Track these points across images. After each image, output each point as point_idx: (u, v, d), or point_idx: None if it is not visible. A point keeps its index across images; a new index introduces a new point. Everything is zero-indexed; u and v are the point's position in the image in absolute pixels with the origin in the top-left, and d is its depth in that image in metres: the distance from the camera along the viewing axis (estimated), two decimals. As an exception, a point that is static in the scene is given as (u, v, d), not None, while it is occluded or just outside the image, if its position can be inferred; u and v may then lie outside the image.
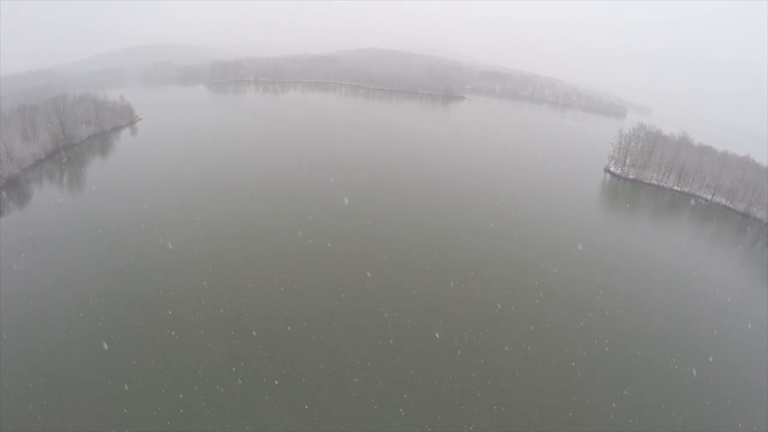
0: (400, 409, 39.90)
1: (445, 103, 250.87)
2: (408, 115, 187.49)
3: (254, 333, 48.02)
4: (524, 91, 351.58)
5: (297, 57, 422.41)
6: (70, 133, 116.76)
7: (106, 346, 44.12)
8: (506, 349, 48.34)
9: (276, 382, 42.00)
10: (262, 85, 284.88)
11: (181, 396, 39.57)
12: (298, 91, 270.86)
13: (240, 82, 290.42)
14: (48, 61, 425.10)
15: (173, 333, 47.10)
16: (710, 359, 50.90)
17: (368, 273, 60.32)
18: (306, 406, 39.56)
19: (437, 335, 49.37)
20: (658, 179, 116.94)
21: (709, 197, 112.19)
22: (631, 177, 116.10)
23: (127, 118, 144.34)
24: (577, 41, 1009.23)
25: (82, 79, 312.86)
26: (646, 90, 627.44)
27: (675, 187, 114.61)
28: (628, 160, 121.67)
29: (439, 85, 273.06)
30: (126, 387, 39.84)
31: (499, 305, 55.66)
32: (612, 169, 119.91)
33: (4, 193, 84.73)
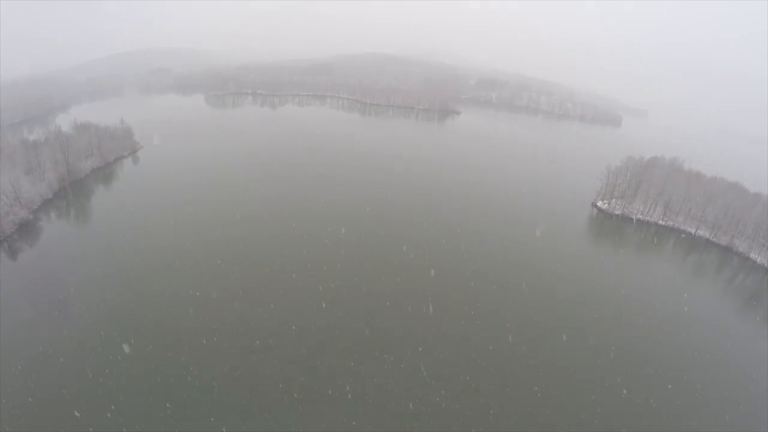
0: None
1: (441, 120, 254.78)
2: (403, 142, 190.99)
3: (257, 342, 59.19)
4: (520, 101, 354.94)
5: (295, 62, 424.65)
6: (75, 168, 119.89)
7: (124, 361, 54.59)
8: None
9: (280, 386, 52.12)
10: (260, 98, 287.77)
11: (185, 400, 49.58)
12: (296, 104, 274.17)
13: (238, 95, 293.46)
14: (46, 66, 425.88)
15: (184, 342, 58.26)
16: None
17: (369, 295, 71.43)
18: (302, 410, 49.13)
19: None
20: (644, 213, 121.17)
21: (693, 231, 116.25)
22: (617, 212, 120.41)
23: (128, 147, 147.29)
24: (576, 38, 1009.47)
25: (81, 86, 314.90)
26: (643, 89, 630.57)
27: (660, 221, 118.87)
28: (615, 192, 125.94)
29: (435, 99, 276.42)
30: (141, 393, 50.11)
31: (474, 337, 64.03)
32: (599, 204, 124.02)
33: (16, 236, 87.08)
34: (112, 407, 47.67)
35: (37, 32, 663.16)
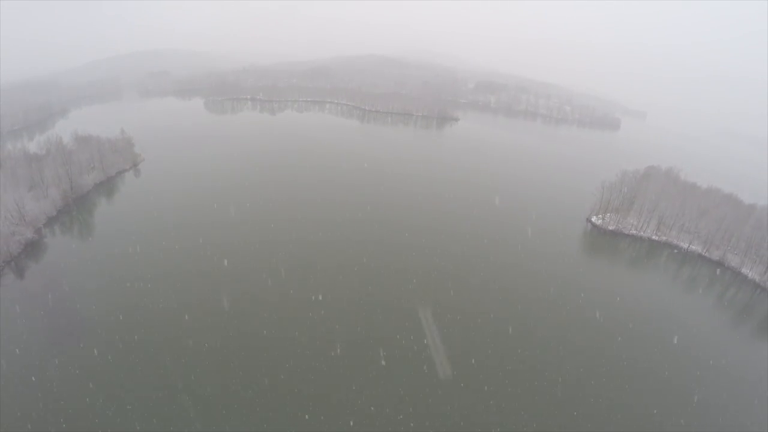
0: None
1: (439, 127, 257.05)
2: (401, 150, 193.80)
3: (268, 348, 63.00)
4: (518, 105, 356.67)
5: (295, 65, 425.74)
6: (77, 184, 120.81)
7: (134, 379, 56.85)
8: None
9: (282, 392, 55.32)
10: (260, 103, 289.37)
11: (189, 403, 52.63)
12: (295, 110, 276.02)
13: (238, 100, 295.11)
14: (46, 68, 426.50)
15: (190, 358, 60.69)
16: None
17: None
18: (306, 416, 52.39)
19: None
20: (638, 228, 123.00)
21: (685, 246, 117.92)
22: (611, 228, 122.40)
23: (130, 159, 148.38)
24: (575, 38, 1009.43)
25: (81, 90, 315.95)
26: (642, 90, 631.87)
27: (653, 237, 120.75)
28: (610, 207, 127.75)
29: (434, 105, 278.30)
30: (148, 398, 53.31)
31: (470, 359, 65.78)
32: (593, 219, 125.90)
33: (23, 256, 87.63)
34: (117, 417, 50.67)
35: (36, 34, 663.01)
